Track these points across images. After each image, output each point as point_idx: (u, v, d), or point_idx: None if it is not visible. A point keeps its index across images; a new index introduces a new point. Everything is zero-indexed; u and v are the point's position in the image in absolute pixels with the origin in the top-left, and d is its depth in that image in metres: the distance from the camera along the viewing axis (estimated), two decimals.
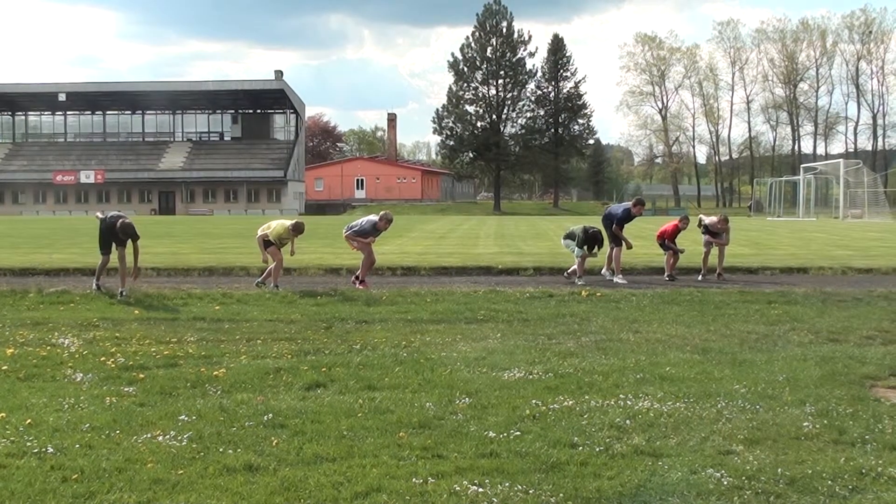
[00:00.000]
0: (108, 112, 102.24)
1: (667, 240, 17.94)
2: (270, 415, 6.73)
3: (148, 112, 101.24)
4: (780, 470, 5.48)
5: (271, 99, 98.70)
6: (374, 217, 16.41)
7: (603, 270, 17.84)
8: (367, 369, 8.55)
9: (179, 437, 6.13)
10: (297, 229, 15.86)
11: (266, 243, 15.72)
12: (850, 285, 16.14)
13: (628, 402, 7.20)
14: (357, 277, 15.91)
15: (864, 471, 5.49)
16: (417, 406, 7.06)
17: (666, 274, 17.73)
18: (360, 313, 12.34)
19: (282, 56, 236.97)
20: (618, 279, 17.06)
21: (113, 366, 8.65)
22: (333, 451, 5.88)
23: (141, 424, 6.49)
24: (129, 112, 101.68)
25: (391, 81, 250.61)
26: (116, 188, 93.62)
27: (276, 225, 15.89)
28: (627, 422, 6.59)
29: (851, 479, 5.34)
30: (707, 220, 18.79)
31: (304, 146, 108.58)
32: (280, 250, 15.70)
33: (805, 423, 6.55)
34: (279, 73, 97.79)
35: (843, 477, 5.38)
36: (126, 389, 7.67)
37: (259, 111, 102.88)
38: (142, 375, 8.19)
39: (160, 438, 6.12)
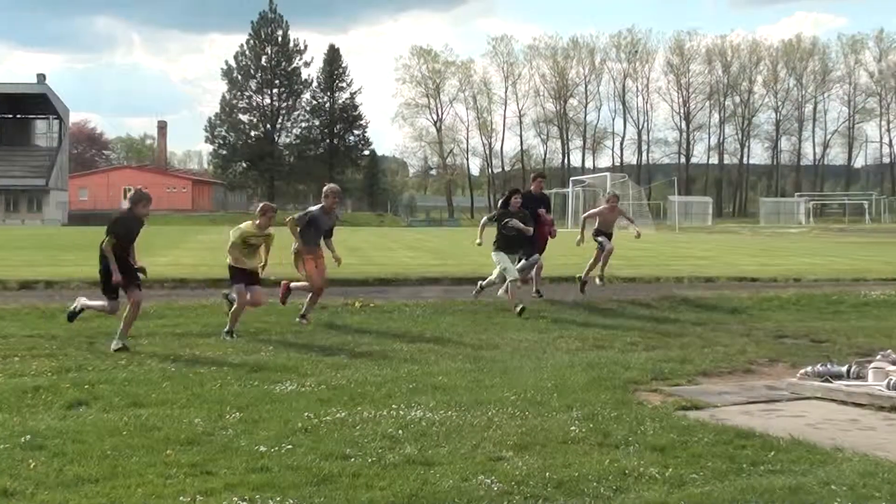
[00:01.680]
0: None
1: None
2: (28, 436, 6.28)
3: None
4: (548, 474, 5.58)
5: (32, 103, 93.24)
6: (313, 207, 13.60)
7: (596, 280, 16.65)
8: (133, 385, 8.19)
9: None
10: (265, 211, 11.87)
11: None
12: (615, 293, 16.86)
13: (401, 412, 7.19)
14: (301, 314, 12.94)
15: (627, 471, 5.66)
16: (186, 422, 6.80)
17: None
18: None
19: (46, 59, 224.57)
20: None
21: None
22: (96, 471, 5.53)
23: None
24: None
25: (162, 88, 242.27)
26: None
27: (233, 234, 11.83)
28: (400, 432, 6.57)
29: (615, 480, 5.50)
30: (592, 211, 18.16)
31: (68, 154, 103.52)
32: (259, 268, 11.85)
33: (572, 428, 6.72)
34: (42, 77, 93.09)
35: (608, 478, 5.53)
36: None
37: (19, 116, 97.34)
38: None
39: None
